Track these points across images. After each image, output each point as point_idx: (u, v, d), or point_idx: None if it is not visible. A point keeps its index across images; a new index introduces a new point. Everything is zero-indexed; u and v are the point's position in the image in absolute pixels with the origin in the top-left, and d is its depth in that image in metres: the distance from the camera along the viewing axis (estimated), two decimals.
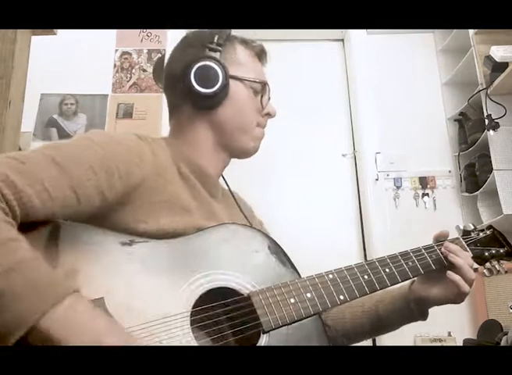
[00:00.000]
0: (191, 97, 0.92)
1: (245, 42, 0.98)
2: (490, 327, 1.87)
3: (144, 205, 0.78)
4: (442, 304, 0.93)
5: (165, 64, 1.01)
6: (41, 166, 0.68)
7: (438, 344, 2.09)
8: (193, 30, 0.99)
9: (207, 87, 0.90)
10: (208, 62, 0.91)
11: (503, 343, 1.57)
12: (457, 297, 0.91)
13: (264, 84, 0.97)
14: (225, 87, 0.91)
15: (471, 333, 2.10)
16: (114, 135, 0.85)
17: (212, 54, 0.92)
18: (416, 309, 0.94)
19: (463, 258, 0.92)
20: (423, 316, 0.95)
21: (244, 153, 0.99)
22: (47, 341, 0.56)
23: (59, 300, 0.57)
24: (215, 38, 0.93)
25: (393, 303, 0.97)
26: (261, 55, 1.00)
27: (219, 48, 0.92)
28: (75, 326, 0.58)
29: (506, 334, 1.59)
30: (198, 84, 0.90)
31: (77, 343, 0.56)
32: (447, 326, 2.15)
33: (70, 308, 0.58)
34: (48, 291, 0.58)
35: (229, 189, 1.03)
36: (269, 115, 1.00)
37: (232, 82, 0.93)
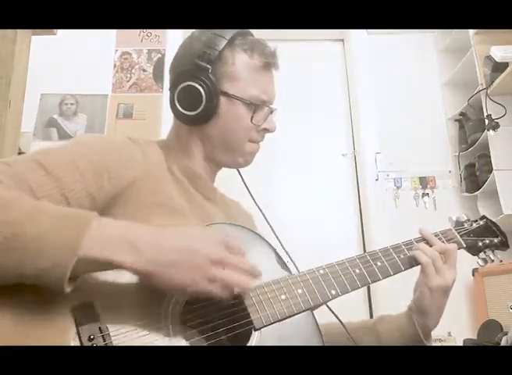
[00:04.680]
0: (176, 116, 0.93)
1: (251, 49, 0.93)
2: (490, 327, 1.87)
3: (135, 206, 0.79)
4: (440, 305, 0.91)
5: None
6: (28, 169, 0.70)
7: (438, 344, 2.09)
8: (196, 30, 0.96)
9: (190, 109, 0.90)
10: (192, 83, 0.89)
11: (503, 343, 1.57)
12: (439, 287, 0.89)
13: (260, 102, 0.93)
14: (210, 107, 0.89)
15: (471, 333, 2.09)
16: (105, 138, 0.86)
17: (200, 74, 0.89)
18: (419, 322, 0.91)
19: (429, 256, 0.90)
20: (424, 331, 0.91)
21: (233, 167, 0.99)
22: (96, 264, 0.61)
23: (87, 226, 0.61)
24: (208, 53, 0.89)
25: (394, 321, 0.95)
26: (269, 64, 0.94)
27: (208, 67, 0.89)
28: (112, 240, 0.62)
29: (506, 334, 1.59)
30: (182, 106, 0.90)
31: (121, 255, 0.61)
32: (447, 326, 2.15)
33: (99, 229, 0.62)
34: (74, 222, 0.61)
35: (246, 187, 1.01)
36: (267, 130, 0.97)
37: (223, 98, 0.90)
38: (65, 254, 0.58)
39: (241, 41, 0.93)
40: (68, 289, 0.60)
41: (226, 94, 0.91)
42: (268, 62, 0.94)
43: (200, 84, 0.89)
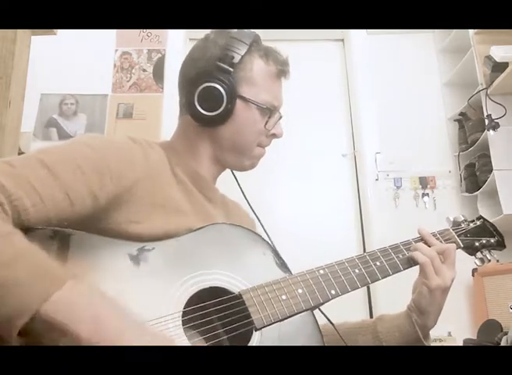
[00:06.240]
0: (193, 116, 0.92)
1: (266, 56, 0.94)
2: (490, 327, 1.87)
3: (137, 206, 0.78)
4: (439, 304, 0.91)
5: (184, 59, 0.98)
6: (31, 169, 0.69)
7: (438, 344, 2.09)
8: (211, 33, 0.96)
9: (209, 109, 0.90)
10: (214, 84, 0.89)
11: (502, 343, 1.57)
12: (437, 288, 0.88)
13: (273, 108, 0.94)
14: (229, 109, 0.90)
15: (471, 333, 2.09)
16: (106, 138, 0.86)
17: (221, 76, 0.89)
18: (418, 322, 0.91)
19: (427, 256, 0.90)
20: (423, 331, 0.91)
21: (239, 170, 1.00)
22: (51, 327, 0.56)
23: (59, 285, 0.58)
24: (231, 57, 0.90)
25: (393, 320, 0.95)
26: (282, 71, 0.96)
27: (230, 70, 0.90)
28: (77, 308, 0.58)
29: (506, 334, 1.59)
30: (201, 106, 0.90)
31: (80, 326, 0.56)
32: (447, 326, 2.15)
33: (70, 292, 0.58)
34: (47, 278, 0.58)
35: (240, 188, 1.02)
36: (275, 136, 0.99)
37: (239, 101, 0.91)
38: (23, 308, 0.55)
39: (257, 47, 0.94)
40: (16, 344, 0.57)
41: (243, 98, 0.92)
42: (282, 70, 0.96)
43: (222, 86, 0.89)
